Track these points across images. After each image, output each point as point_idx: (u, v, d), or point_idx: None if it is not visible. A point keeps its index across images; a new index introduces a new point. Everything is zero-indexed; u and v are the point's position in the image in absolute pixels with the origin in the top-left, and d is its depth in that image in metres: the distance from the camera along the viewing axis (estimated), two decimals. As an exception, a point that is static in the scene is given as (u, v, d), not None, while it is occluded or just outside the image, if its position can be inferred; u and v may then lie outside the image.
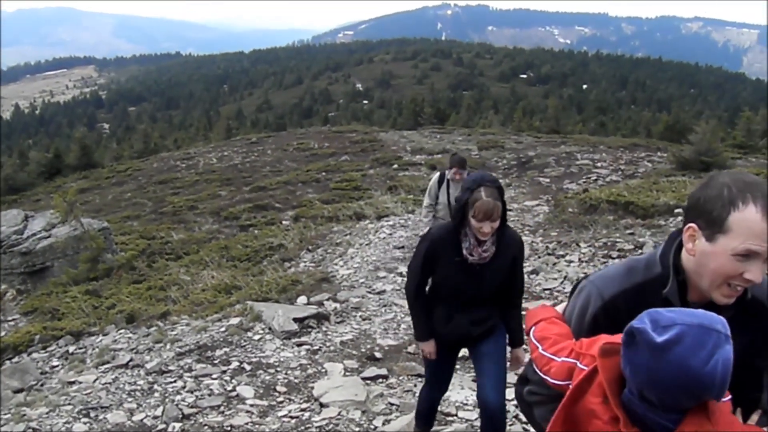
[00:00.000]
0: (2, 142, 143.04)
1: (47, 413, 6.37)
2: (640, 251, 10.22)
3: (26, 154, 48.48)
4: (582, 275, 9.55)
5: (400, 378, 6.77)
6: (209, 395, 6.49)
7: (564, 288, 9.23)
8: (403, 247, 12.07)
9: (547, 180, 18.16)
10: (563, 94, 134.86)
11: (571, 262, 10.34)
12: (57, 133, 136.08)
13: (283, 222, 16.60)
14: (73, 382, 7.31)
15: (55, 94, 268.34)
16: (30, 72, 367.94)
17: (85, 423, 6.07)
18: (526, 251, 11.34)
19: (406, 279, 4.68)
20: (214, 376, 6.92)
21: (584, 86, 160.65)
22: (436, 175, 9.24)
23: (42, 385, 7.76)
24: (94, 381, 7.20)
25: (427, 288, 4.48)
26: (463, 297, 4.27)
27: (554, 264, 10.40)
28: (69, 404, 6.53)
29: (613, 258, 10.16)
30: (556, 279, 9.67)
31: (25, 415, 6.45)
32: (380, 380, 6.74)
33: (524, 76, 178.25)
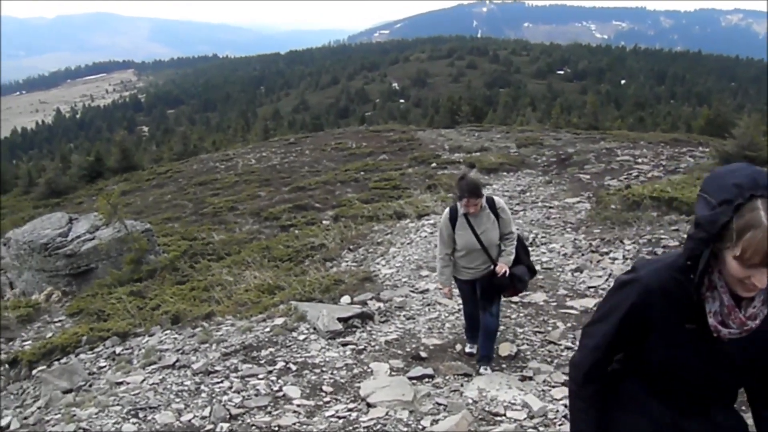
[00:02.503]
0: (44, 146, 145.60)
1: (96, 413, 6.42)
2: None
3: (68, 157, 49.12)
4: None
5: (447, 377, 6.74)
6: (256, 395, 6.51)
7: (609, 286, 9.09)
8: (445, 245, 12.02)
9: (588, 177, 17.95)
10: (601, 90, 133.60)
11: (615, 259, 10.22)
12: (97, 137, 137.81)
13: (324, 222, 16.60)
14: (120, 383, 7.36)
15: (95, 98, 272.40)
16: (70, 77, 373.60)
17: (134, 423, 6.11)
18: (569, 248, 11.25)
19: (576, 349, 2.87)
20: (261, 376, 6.94)
21: (622, 81, 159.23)
22: (446, 212, 7.03)
23: (90, 385, 7.82)
24: (142, 381, 7.25)
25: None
26: (697, 393, 2.48)
27: (598, 261, 10.29)
28: (118, 405, 6.57)
29: (658, 255, 10.02)
30: (600, 277, 9.58)
31: (74, 415, 6.51)
32: (426, 380, 6.71)
33: (561, 72, 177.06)
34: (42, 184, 36.97)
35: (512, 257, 6.88)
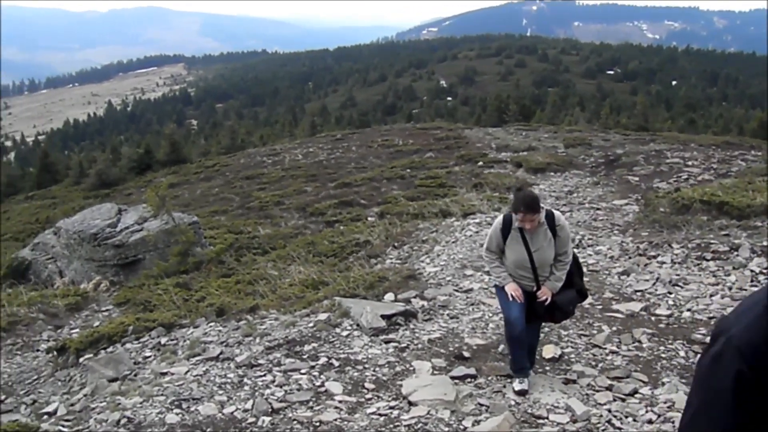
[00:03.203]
0: (95, 138, 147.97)
1: (141, 403, 6.51)
2: (735, 253, 9.91)
3: (118, 149, 50.08)
4: (675, 276, 9.31)
5: (489, 378, 6.69)
6: (298, 390, 6.54)
7: (656, 290, 9.00)
8: (489, 245, 11.95)
9: (636, 178, 17.74)
10: (651, 91, 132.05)
11: (663, 263, 10.06)
12: (147, 130, 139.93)
13: (369, 218, 16.62)
14: (165, 373, 7.45)
15: (146, 92, 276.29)
16: (122, 70, 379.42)
17: (177, 414, 6.17)
18: (616, 251, 11.12)
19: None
20: (303, 371, 6.97)
21: (673, 82, 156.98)
22: (499, 220, 6.37)
23: (135, 375, 7.92)
24: (186, 373, 7.32)
25: None
26: None
27: (645, 265, 10.14)
28: (162, 395, 6.65)
29: (707, 260, 9.86)
30: (647, 280, 9.43)
31: (119, 404, 6.61)
32: (469, 380, 6.67)
33: (611, 72, 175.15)
34: (92, 175, 37.69)
35: (560, 283, 6.24)
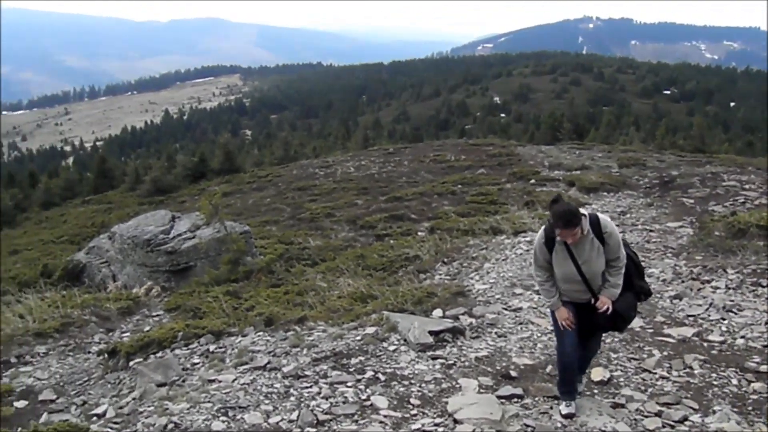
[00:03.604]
0: (151, 145, 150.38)
1: (188, 409, 6.58)
2: (791, 280, 9.69)
3: (173, 157, 50.75)
4: (729, 302, 9.13)
5: (536, 399, 6.62)
6: (344, 403, 6.56)
7: (709, 315, 8.82)
8: (540, 264, 11.84)
9: (691, 201, 17.44)
10: (709, 112, 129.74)
11: (717, 288, 9.87)
12: (202, 138, 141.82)
13: (419, 233, 16.61)
14: (212, 381, 7.52)
15: (202, 101, 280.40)
16: (180, 79, 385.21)
17: (223, 421, 6.23)
18: (669, 274, 10.93)
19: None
20: (349, 384, 6.98)
21: (731, 104, 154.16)
22: (541, 233, 6.04)
23: (183, 381, 8.01)
24: (233, 381, 7.38)
25: None
26: None
27: (699, 290, 9.95)
28: (208, 402, 6.72)
29: (763, 286, 9.65)
30: (700, 305, 9.25)
31: (167, 409, 6.69)
32: (515, 400, 6.61)
33: (668, 92, 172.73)
34: (148, 182, 38.29)
35: (618, 290, 5.89)
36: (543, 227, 6.06)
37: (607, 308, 5.84)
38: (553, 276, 6.04)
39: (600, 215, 5.92)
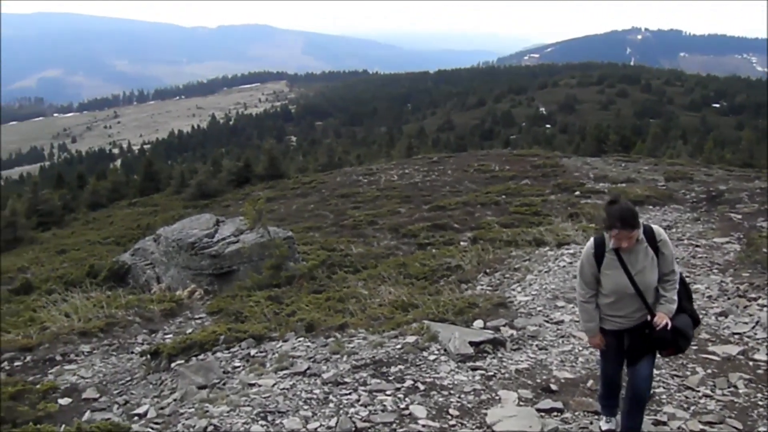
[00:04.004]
0: (197, 149, 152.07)
1: (228, 412, 6.62)
2: (841, 299, 9.49)
3: (219, 162, 51.27)
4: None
5: (576, 413, 6.56)
6: (382, 411, 6.55)
7: (755, 334, 8.64)
8: (583, 277, 11.71)
9: (739, 216, 17.16)
10: (758, 126, 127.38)
11: (764, 306, 9.66)
12: (248, 144, 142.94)
13: (461, 243, 16.56)
14: (252, 385, 7.55)
15: (248, 107, 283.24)
16: (227, 85, 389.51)
17: (262, 426, 6.26)
18: (715, 291, 10.75)
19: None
20: (388, 392, 6.97)
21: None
22: (590, 244, 5.70)
23: (224, 384, 8.06)
24: (273, 385, 7.41)
25: None
26: None
27: (745, 307, 9.76)
28: (248, 406, 6.75)
29: (811, 305, 9.47)
30: (746, 323, 9.08)
31: (207, 411, 6.74)
32: (555, 414, 6.56)
33: (716, 105, 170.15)
34: (193, 186, 38.71)
35: (675, 306, 5.47)
36: (592, 237, 5.74)
37: (666, 323, 5.35)
38: (597, 296, 5.67)
39: (653, 225, 5.61)
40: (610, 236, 5.37)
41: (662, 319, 5.35)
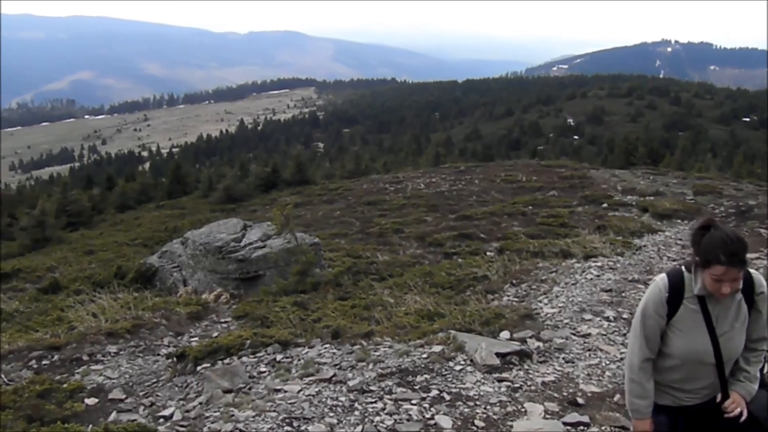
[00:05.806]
0: (225, 154, 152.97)
1: (253, 417, 6.61)
2: None
3: (246, 166, 51.53)
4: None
5: (603, 428, 6.49)
6: (407, 420, 6.51)
7: (786, 352, 8.55)
8: (611, 290, 11.61)
9: (769, 232, 17.02)
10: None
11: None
12: (275, 149, 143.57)
13: (488, 253, 16.51)
14: (278, 390, 7.55)
15: (276, 112, 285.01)
16: (256, 90, 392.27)
17: (287, 432, 6.26)
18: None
19: None
20: (414, 401, 6.94)
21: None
22: (662, 283, 3.96)
23: (249, 388, 8.06)
24: (299, 391, 7.40)
25: None
26: None
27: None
28: (274, 411, 6.74)
29: None
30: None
31: (233, 415, 6.75)
32: (581, 427, 6.49)
33: (747, 119, 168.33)
34: (220, 190, 38.96)
35: (757, 385, 3.96)
36: (664, 274, 4.06)
37: (741, 411, 3.86)
38: (655, 360, 4.06)
39: (753, 271, 4.02)
40: (704, 276, 3.81)
41: (737, 406, 3.88)
